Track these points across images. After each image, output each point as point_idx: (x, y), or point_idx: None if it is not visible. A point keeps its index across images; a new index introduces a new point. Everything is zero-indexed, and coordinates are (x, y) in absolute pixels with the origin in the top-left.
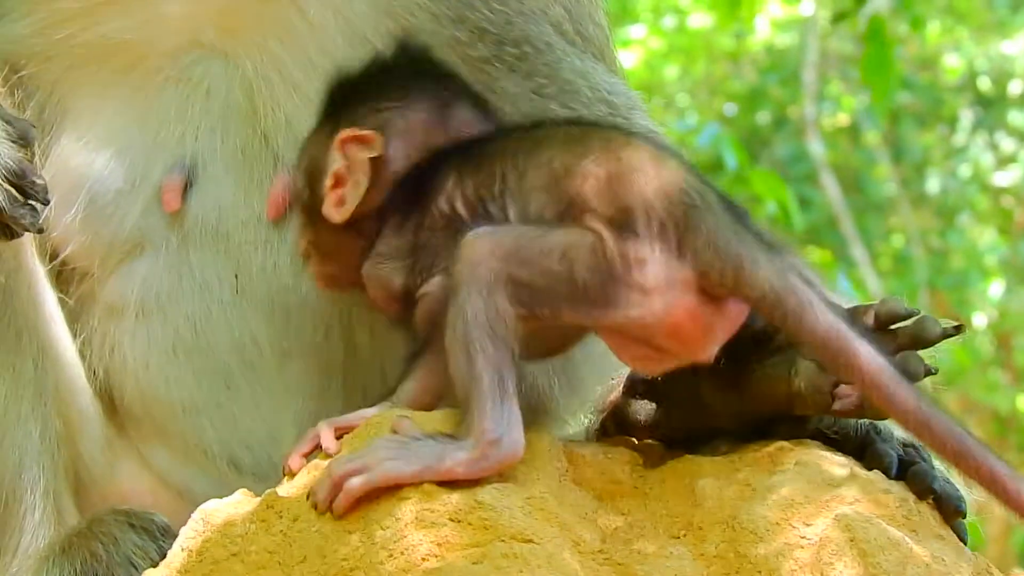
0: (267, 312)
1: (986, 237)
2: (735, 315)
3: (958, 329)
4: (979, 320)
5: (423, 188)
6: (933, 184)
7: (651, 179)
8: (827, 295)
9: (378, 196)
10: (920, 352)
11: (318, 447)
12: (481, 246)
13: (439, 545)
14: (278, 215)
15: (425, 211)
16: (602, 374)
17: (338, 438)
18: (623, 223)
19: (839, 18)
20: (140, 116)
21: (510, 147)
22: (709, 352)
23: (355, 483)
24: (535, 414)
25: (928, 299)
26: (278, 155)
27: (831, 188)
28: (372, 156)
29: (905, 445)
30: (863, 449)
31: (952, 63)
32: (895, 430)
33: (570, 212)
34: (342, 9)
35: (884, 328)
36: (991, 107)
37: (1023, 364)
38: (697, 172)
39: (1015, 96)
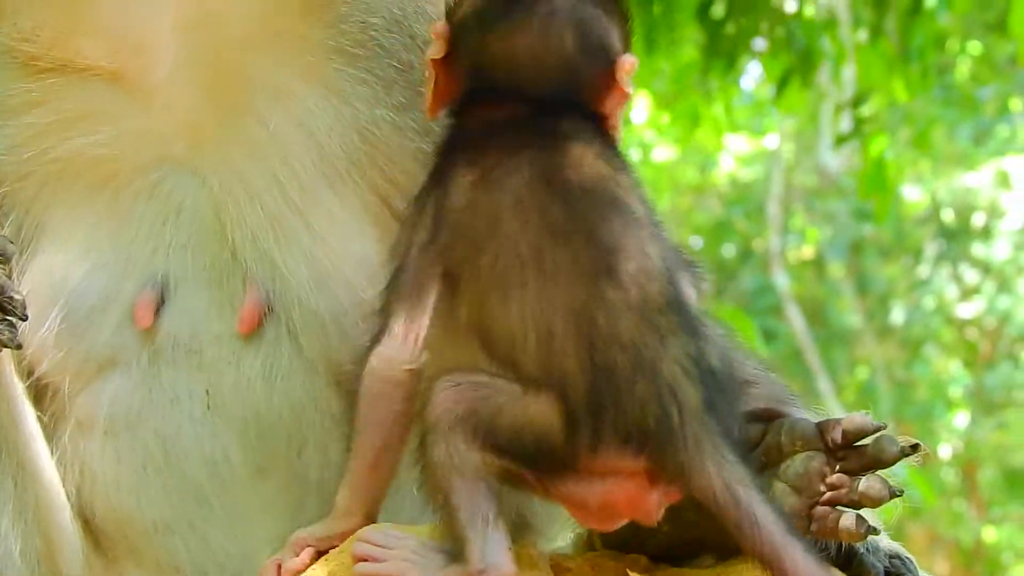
0: (240, 429)
1: (951, 368)
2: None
3: (915, 448)
4: (944, 451)
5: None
6: (898, 316)
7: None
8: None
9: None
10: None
11: None
12: (447, 396)
13: None
14: (250, 330)
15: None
16: None
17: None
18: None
19: (842, 140)
20: (113, 232)
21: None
22: (651, 520)
23: None
24: (521, 529)
25: (893, 431)
26: (247, 270)
27: (796, 320)
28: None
29: (891, 557)
30: (849, 560)
31: (915, 196)
32: (881, 541)
33: (547, 376)
34: (305, 123)
35: (851, 444)
36: (954, 239)
37: (988, 496)
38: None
39: (978, 228)
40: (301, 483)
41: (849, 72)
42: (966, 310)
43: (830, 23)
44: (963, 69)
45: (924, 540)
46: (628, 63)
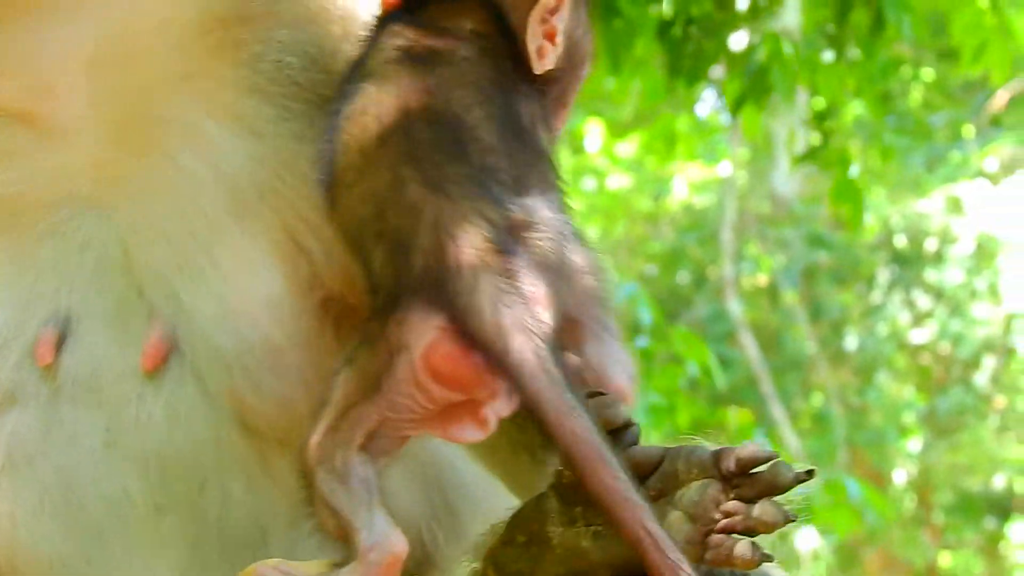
0: (140, 466)
1: (904, 394)
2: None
3: (809, 473)
4: (899, 477)
5: None
6: (851, 342)
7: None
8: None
9: None
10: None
11: None
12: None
13: None
14: (153, 368)
15: None
16: (484, 520)
17: None
18: None
19: (804, 158)
20: (18, 270)
21: None
22: (489, 388)
23: None
24: (420, 566)
25: (848, 456)
26: (152, 308)
27: (750, 347)
28: None
29: None
30: None
31: (868, 222)
32: (774, 571)
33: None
34: (216, 161)
35: (746, 472)
36: (907, 265)
37: (944, 520)
38: None
39: (930, 254)
40: (201, 521)
41: (802, 95)
42: (919, 335)
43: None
44: (916, 96)
45: (879, 564)
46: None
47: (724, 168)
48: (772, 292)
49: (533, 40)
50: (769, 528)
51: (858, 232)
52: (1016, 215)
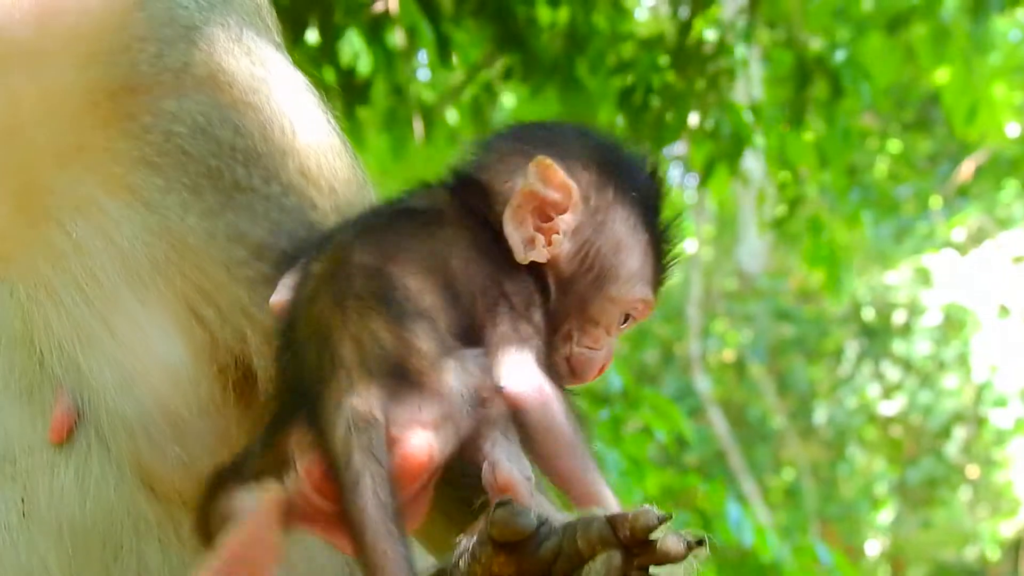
0: (55, 536)
1: (875, 466)
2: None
3: (700, 542)
4: (872, 549)
5: None
6: (820, 415)
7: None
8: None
9: None
10: None
11: None
12: None
13: None
14: (61, 439)
15: None
16: None
17: None
18: None
19: (773, 226)
20: None
21: None
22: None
23: None
24: None
25: (819, 529)
26: (55, 379)
27: (718, 423)
28: None
29: None
30: None
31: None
32: None
33: None
34: (108, 232)
35: (641, 540)
36: (875, 337)
37: None
38: None
39: (899, 325)
40: None
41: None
42: (889, 407)
43: (756, 109)
44: (882, 167)
45: None
46: None
47: (689, 245)
48: (739, 367)
49: (518, 228)
50: None
51: (836, 296)
52: (984, 285)
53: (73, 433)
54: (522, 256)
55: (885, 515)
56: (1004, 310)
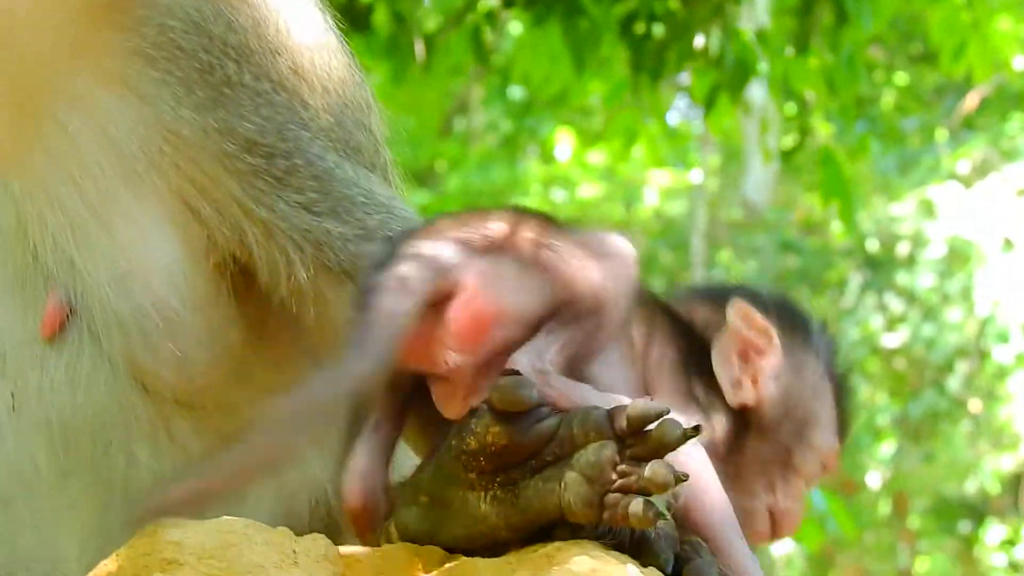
0: (45, 431)
1: (877, 399)
2: None
3: (697, 429)
4: (874, 481)
5: None
6: None
7: None
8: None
9: None
10: None
11: None
12: None
13: None
14: (52, 334)
15: None
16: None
17: None
18: None
19: (788, 154)
20: None
21: None
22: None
23: None
24: (327, 527)
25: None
26: (48, 274)
27: None
28: None
29: (682, 542)
30: (640, 547)
31: (839, 226)
32: (671, 528)
33: None
34: (104, 126)
35: (638, 431)
36: (879, 269)
37: (919, 526)
38: None
39: (903, 257)
40: (107, 484)
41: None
42: (892, 340)
43: (761, 35)
44: (888, 100)
45: (852, 572)
46: None
47: (695, 175)
48: None
49: (726, 367)
50: (660, 488)
51: (850, 228)
52: (989, 218)
53: (65, 328)
54: (732, 398)
55: (887, 448)
56: (1008, 243)
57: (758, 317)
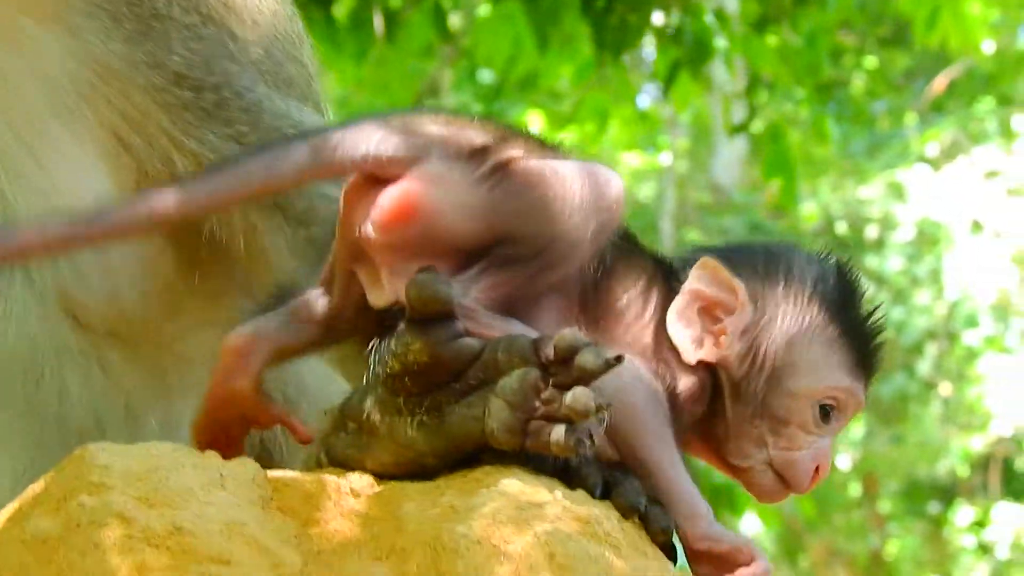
0: None
1: None
2: None
3: (619, 359)
4: (844, 462)
5: None
6: None
7: None
8: None
9: None
10: None
11: None
12: None
13: (137, 570)
14: None
15: None
16: (320, 411)
17: None
18: None
19: (737, 129)
20: None
21: None
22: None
23: None
24: (259, 458)
25: None
26: None
27: None
28: None
29: (610, 465)
30: (568, 471)
31: (809, 209)
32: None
33: None
34: (34, 58)
35: (564, 360)
36: (848, 252)
37: (889, 508)
38: None
39: (872, 240)
40: (39, 418)
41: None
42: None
43: (720, 14)
44: (858, 84)
45: (822, 553)
46: None
47: (665, 158)
48: None
49: (685, 326)
50: (580, 415)
51: (792, 207)
52: (957, 201)
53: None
54: (690, 356)
55: (857, 430)
56: (977, 226)
57: (726, 274)
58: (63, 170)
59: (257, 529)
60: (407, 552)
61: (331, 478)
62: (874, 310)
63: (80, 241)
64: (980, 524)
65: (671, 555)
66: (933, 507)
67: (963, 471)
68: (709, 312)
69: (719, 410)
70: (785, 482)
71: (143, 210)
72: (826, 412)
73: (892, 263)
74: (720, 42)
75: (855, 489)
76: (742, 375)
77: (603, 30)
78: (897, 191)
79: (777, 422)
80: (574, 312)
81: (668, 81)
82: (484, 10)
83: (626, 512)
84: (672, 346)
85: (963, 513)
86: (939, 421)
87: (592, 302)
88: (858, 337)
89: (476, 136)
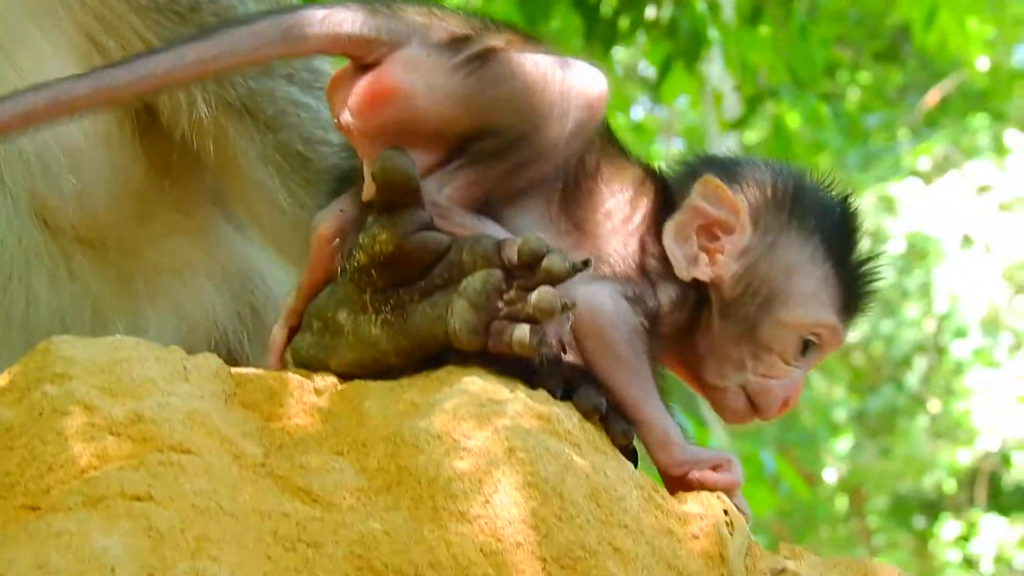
0: None
1: (835, 393)
2: None
3: (586, 264)
4: (830, 476)
5: None
6: None
7: None
8: None
9: None
10: None
11: None
12: None
13: (99, 457)
14: None
15: None
16: None
17: None
18: None
19: (737, 124)
20: None
21: None
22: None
23: None
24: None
25: (778, 455)
26: None
27: None
28: None
29: (572, 367)
30: (529, 374)
31: None
32: (562, 355)
33: None
34: None
35: (527, 265)
36: None
37: (876, 522)
38: None
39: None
40: (6, 321)
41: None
42: (850, 335)
43: (713, 6)
44: (852, 99)
45: None
46: None
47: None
48: None
49: (682, 242)
50: (545, 313)
51: None
52: (948, 215)
53: None
54: (684, 273)
55: (844, 443)
56: (967, 240)
57: (728, 193)
58: (38, 74)
59: (219, 421)
60: (368, 446)
61: (294, 376)
62: (875, 254)
63: (40, 115)
64: (965, 538)
65: (632, 458)
66: (919, 521)
67: (949, 486)
68: (708, 230)
69: (702, 326)
70: (755, 407)
71: (106, 81)
72: (807, 345)
73: (883, 276)
74: (712, 33)
75: (842, 502)
76: (734, 297)
77: (594, 23)
78: (888, 204)
79: (760, 348)
80: (554, 213)
81: (661, 74)
82: (476, 3)
83: (587, 414)
84: (659, 256)
85: (949, 527)
86: (927, 435)
87: (575, 203)
88: (855, 277)
89: (458, 25)
